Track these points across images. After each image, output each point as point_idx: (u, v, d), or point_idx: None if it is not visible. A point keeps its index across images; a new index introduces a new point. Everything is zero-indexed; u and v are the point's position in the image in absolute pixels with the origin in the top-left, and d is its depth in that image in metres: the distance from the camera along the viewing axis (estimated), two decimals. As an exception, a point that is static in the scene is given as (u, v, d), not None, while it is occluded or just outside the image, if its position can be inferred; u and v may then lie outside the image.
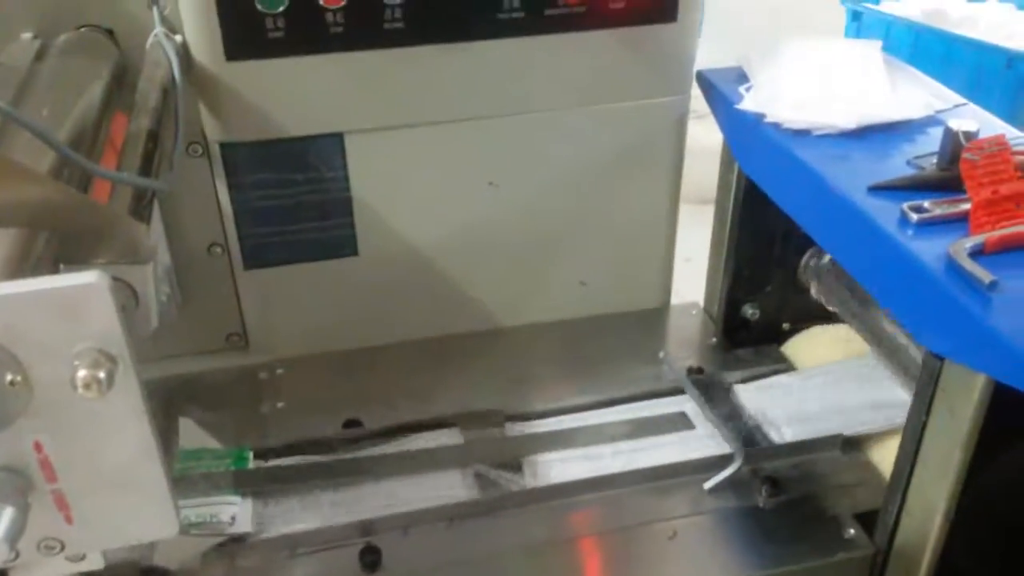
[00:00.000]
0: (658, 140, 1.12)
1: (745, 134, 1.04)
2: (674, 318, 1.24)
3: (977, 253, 0.79)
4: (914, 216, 0.83)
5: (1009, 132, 0.98)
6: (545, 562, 0.89)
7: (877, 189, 0.88)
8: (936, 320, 0.77)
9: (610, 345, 1.16)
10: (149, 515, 0.59)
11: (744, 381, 1.08)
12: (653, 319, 1.23)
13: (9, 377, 0.52)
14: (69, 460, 0.55)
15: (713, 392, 1.06)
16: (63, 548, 0.59)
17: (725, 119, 1.08)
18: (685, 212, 1.21)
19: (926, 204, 0.85)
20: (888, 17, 3.08)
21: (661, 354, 1.13)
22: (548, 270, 1.17)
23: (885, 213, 0.84)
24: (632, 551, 0.90)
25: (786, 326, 1.18)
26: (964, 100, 1.06)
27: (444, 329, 1.16)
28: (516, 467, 0.96)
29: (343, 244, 1.08)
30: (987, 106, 3.10)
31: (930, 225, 0.83)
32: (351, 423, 1.02)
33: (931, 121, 1.00)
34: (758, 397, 1.05)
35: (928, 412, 0.80)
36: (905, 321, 0.85)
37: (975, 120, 0.92)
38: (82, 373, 0.52)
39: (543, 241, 1.15)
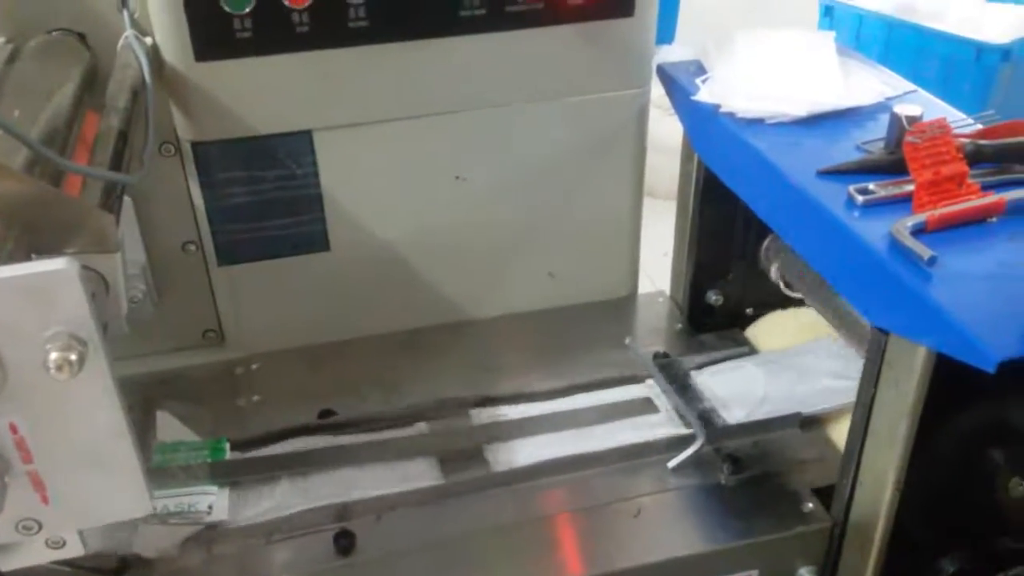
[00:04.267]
0: (620, 132, 1.15)
1: (702, 125, 1.07)
2: (641, 306, 1.27)
3: (919, 231, 0.82)
4: (859, 198, 0.87)
5: (952, 115, 1.02)
6: (514, 541, 0.92)
7: (826, 174, 0.92)
8: (880, 296, 0.81)
9: (578, 334, 1.19)
10: (122, 494, 0.62)
11: (700, 367, 1.10)
12: (621, 308, 1.26)
13: (-17, 361, 0.54)
14: (43, 441, 0.58)
15: (677, 376, 1.09)
16: (40, 528, 0.62)
17: (683, 111, 1.11)
18: (663, 207, 1.23)
19: (871, 186, 0.89)
20: (860, 11, 3.13)
21: (627, 340, 1.16)
22: (516, 262, 1.20)
23: (832, 196, 0.88)
24: (598, 529, 0.93)
25: (750, 311, 1.21)
26: (914, 87, 1.10)
27: (416, 322, 1.19)
28: (483, 452, 0.99)
29: (315, 240, 1.11)
30: (958, 97, 3.16)
31: (875, 206, 0.86)
32: (326, 413, 1.04)
33: (881, 108, 1.03)
34: (712, 381, 1.08)
35: (876, 386, 0.83)
36: (852, 299, 0.88)
37: (921, 105, 0.96)
38: (54, 356, 0.54)
39: (510, 233, 1.18)
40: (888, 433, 0.83)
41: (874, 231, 0.82)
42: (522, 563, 0.90)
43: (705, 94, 1.06)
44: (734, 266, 1.19)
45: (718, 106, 1.03)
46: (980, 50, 2.89)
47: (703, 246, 1.17)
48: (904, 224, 0.82)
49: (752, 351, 1.15)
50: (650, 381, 1.10)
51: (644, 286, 1.30)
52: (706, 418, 1.02)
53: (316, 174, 1.06)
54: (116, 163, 0.73)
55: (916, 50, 3.01)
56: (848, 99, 1.04)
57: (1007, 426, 0.78)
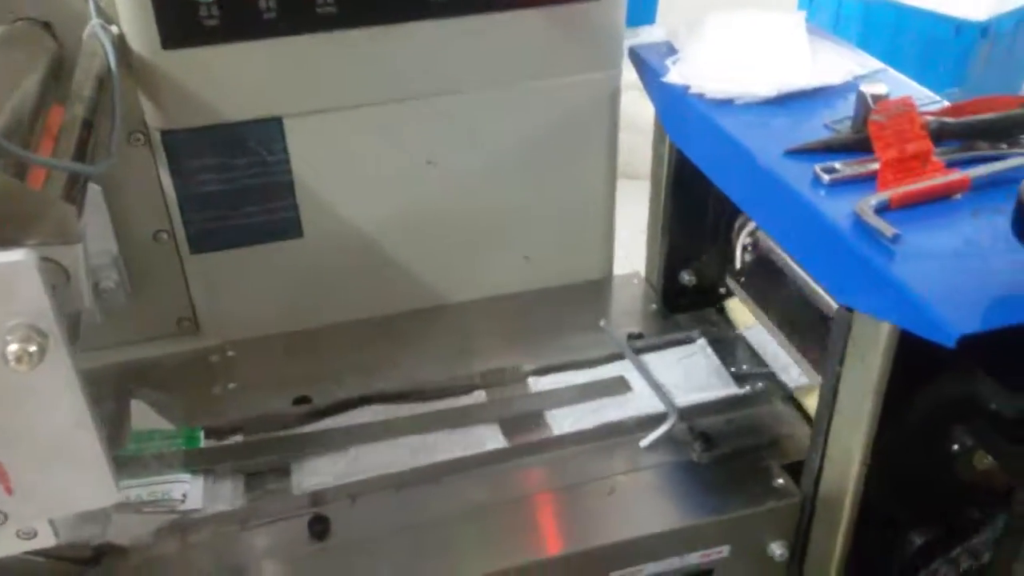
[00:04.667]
0: (592, 115, 1.15)
1: (673, 106, 1.07)
2: (617, 288, 1.27)
3: (883, 209, 0.83)
4: (825, 177, 0.87)
5: (920, 94, 1.02)
6: (489, 523, 0.92)
7: (793, 153, 0.92)
8: (845, 273, 0.81)
9: (553, 316, 1.20)
10: (87, 484, 0.62)
11: (657, 349, 1.12)
12: (596, 289, 1.27)
13: (-58, 353, 0.54)
14: (6, 432, 0.58)
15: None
16: (6, 520, 0.62)
17: (654, 92, 1.11)
18: (644, 188, 1.23)
19: (837, 165, 0.89)
20: (839, -9, 3.14)
21: (602, 322, 1.16)
22: (491, 246, 1.20)
23: (798, 176, 0.88)
24: (573, 508, 0.94)
25: (723, 290, 1.22)
26: (883, 66, 1.10)
27: (391, 307, 1.19)
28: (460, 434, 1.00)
29: (288, 226, 1.11)
30: (937, 74, 3.13)
31: (840, 185, 0.87)
32: (301, 400, 1.05)
33: (850, 87, 1.03)
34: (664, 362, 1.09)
35: (842, 362, 0.84)
36: (819, 277, 0.89)
37: (890, 84, 0.96)
38: (13, 347, 0.55)
39: (484, 217, 1.18)
40: (854, 409, 0.84)
41: (839, 209, 0.83)
42: (496, 544, 0.91)
43: (675, 75, 1.06)
44: (707, 246, 1.20)
45: (687, 87, 1.04)
46: (958, 27, 2.90)
47: (675, 227, 1.18)
48: (868, 202, 0.82)
49: (722, 330, 1.16)
50: (625, 361, 1.11)
51: (624, 266, 1.31)
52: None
53: (287, 161, 1.06)
54: (80, 153, 0.73)
55: (895, 28, 3.02)
56: (816, 79, 1.04)
57: (971, 401, 0.79)
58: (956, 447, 0.84)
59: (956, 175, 0.86)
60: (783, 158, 0.91)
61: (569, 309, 1.21)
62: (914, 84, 1.06)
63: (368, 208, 1.13)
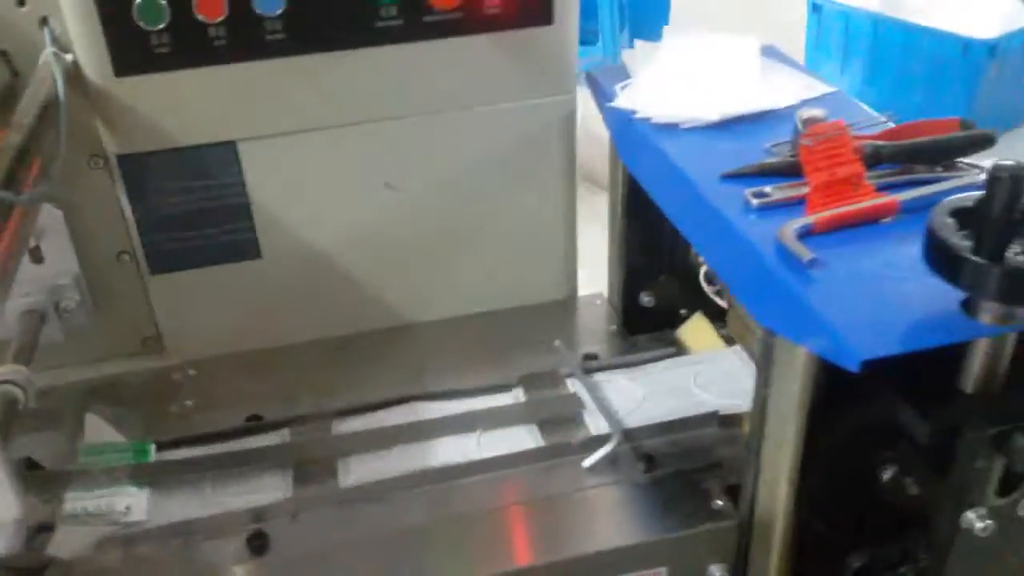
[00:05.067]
0: (548, 138, 1.16)
1: (623, 130, 1.09)
2: (579, 308, 1.28)
3: (807, 234, 0.83)
4: (754, 201, 0.88)
5: (866, 117, 1.03)
6: (427, 541, 0.94)
7: (729, 177, 0.93)
8: (766, 297, 0.82)
9: (512, 336, 1.21)
10: (-6, 499, 0.64)
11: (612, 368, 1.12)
12: (558, 310, 1.28)
13: None
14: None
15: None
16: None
17: (607, 116, 1.12)
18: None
19: (767, 189, 0.90)
20: (847, 8, 3.13)
21: (556, 343, 1.17)
22: (452, 267, 1.22)
23: (729, 200, 0.89)
24: (513, 528, 0.95)
25: (684, 311, 1.22)
26: (835, 89, 1.10)
27: (351, 327, 1.21)
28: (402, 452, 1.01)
29: (246, 248, 1.13)
30: (946, 92, 3.12)
31: (769, 209, 0.88)
32: (253, 418, 1.07)
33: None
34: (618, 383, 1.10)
35: (767, 385, 0.85)
36: (744, 300, 0.89)
37: (836, 107, 0.97)
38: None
39: (444, 239, 1.20)
40: (780, 432, 0.84)
41: (763, 234, 0.84)
42: (434, 561, 0.92)
43: (623, 100, 1.07)
44: (666, 268, 1.20)
45: (634, 112, 1.05)
46: (967, 46, 2.88)
47: (633, 249, 1.19)
48: (791, 226, 0.83)
49: (680, 351, 1.17)
50: (575, 381, 1.12)
51: (598, 284, 1.31)
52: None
53: (243, 183, 1.09)
54: (8, 181, 0.76)
55: (903, 47, 3.00)
56: (763, 103, 1.05)
57: (890, 425, 0.79)
58: (881, 472, 0.84)
59: (884, 198, 0.86)
60: (718, 182, 0.92)
61: (529, 330, 1.22)
62: (863, 107, 1.07)
63: (326, 230, 1.15)
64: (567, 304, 1.29)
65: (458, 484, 0.99)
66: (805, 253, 0.79)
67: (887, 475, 0.84)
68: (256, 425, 1.05)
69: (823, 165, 0.89)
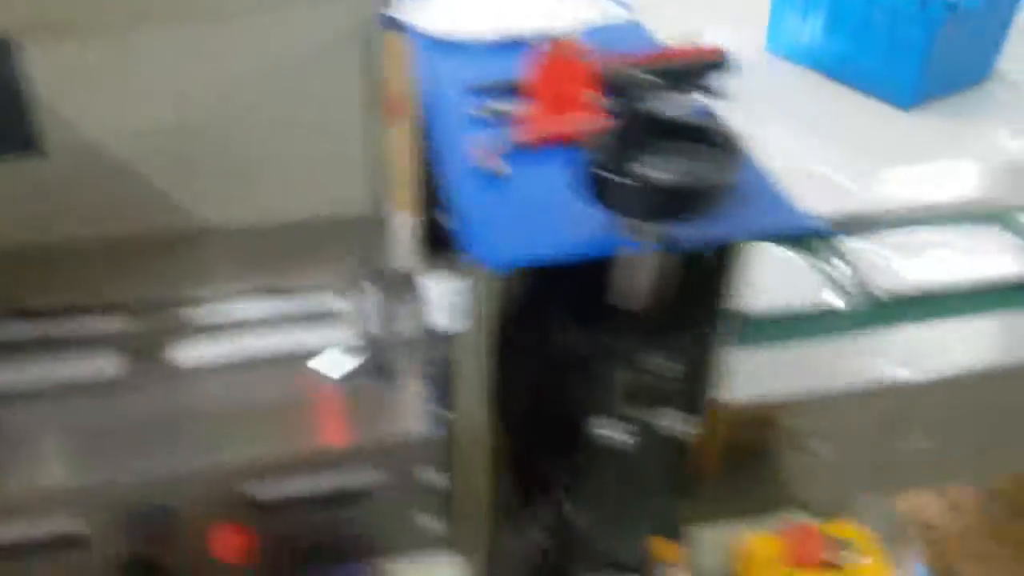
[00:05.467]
0: (343, 44, 1.14)
1: (415, 43, 1.08)
2: (384, 224, 1.28)
3: (511, 149, 0.84)
4: (474, 113, 0.88)
5: (642, 43, 1.02)
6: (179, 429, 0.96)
7: (472, 90, 0.93)
8: (455, 206, 0.83)
9: (305, 246, 1.21)
10: None
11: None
12: (359, 225, 1.27)
13: None
14: None
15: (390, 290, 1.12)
16: None
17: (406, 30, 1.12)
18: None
19: (497, 105, 0.90)
20: (807, -35, 3.06)
21: (349, 256, 1.18)
22: (248, 174, 1.21)
23: (461, 112, 0.89)
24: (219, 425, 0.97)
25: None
26: (627, 16, 1.09)
27: (135, 228, 1.20)
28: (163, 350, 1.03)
29: (25, 142, 1.13)
30: (903, 47, 3.07)
31: (488, 122, 0.88)
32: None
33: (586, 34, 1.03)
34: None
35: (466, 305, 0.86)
36: (448, 208, 0.90)
37: (616, 35, 0.96)
38: None
39: (239, 144, 1.18)
40: (475, 349, 0.86)
41: (468, 144, 0.84)
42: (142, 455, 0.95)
43: (409, 15, 1.07)
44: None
45: (413, 24, 1.05)
46: (925, 0, 2.82)
47: (429, 165, 1.19)
48: (491, 141, 0.83)
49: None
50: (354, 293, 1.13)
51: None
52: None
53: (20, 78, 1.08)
54: None
55: (864, 1, 2.95)
56: (543, 25, 1.04)
57: (558, 346, 0.80)
58: (562, 386, 0.85)
59: (596, 121, 0.86)
60: (460, 94, 0.92)
61: (324, 241, 1.22)
62: (645, 35, 1.06)
63: (115, 130, 1.14)
64: (372, 219, 1.28)
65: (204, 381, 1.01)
66: (498, 167, 0.80)
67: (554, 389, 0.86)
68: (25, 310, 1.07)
69: (549, 85, 0.89)
